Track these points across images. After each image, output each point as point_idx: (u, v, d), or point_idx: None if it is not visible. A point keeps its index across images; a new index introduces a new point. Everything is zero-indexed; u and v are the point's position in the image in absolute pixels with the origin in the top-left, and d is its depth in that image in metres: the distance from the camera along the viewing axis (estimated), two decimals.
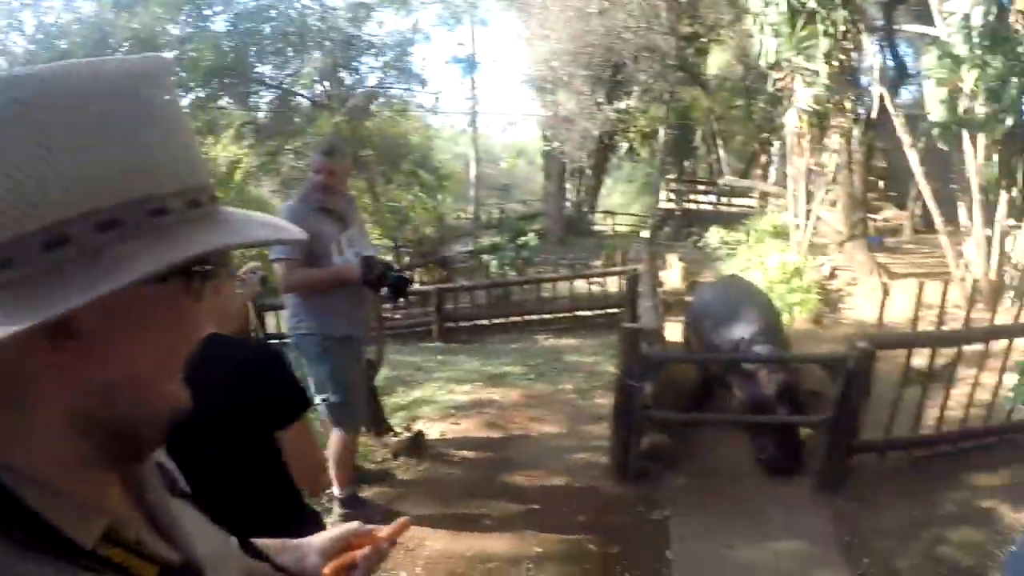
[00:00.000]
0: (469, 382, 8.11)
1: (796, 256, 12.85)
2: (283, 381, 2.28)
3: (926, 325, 7.53)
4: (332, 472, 4.79)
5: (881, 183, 20.10)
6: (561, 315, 11.64)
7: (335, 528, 1.36)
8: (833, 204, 14.36)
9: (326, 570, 1.27)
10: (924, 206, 13.16)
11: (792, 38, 11.29)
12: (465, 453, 6.03)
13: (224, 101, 20.98)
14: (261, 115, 22.66)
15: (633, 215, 31.24)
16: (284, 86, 22.11)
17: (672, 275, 14.30)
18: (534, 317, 11.66)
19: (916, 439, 5.69)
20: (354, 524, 1.35)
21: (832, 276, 12.80)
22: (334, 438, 4.70)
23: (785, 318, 10.62)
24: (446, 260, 19.11)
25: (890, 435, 5.64)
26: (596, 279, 11.79)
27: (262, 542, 1.29)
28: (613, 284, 11.90)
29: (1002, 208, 9.57)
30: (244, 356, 2.27)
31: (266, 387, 2.23)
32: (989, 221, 9.72)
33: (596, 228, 27.34)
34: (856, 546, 4.66)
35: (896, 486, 5.35)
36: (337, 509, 4.82)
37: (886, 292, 5.83)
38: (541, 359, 9.39)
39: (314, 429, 2.42)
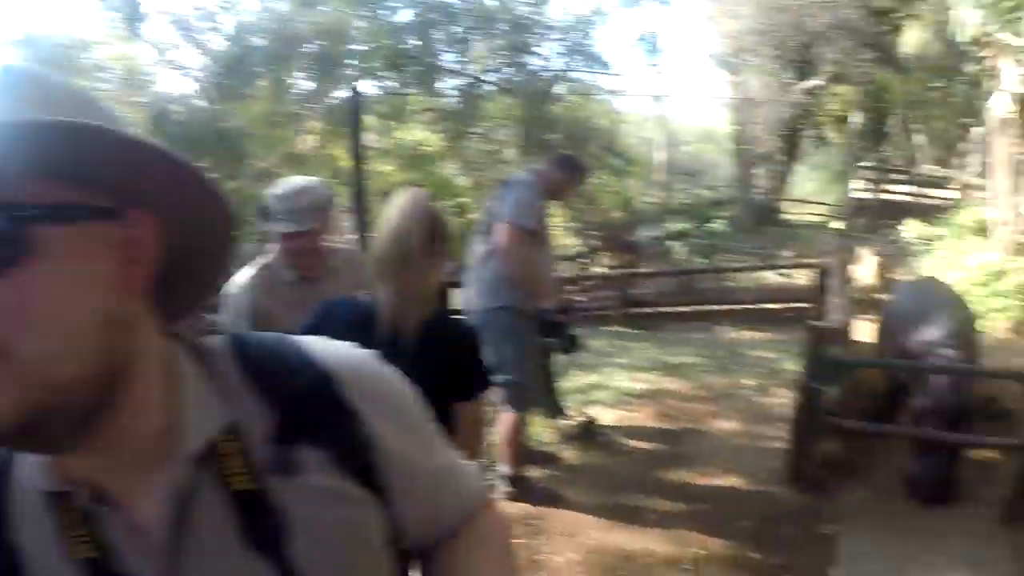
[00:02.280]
0: (647, 370, 8.00)
1: (998, 256, 11.94)
2: (478, 360, 2.56)
3: None
4: (501, 451, 4.86)
5: None
6: (746, 307, 11.35)
7: None
8: None
9: None
10: None
11: (996, 9, 10.42)
12: (635, 443, 5.94)
13: (413, 89, 21.55)
14: (450, 101, 23.18)
15: (825, 204, 30.00)
16: (468, 72, 22.47)
17: (864, 270, 13.63)
18: (718, 307, 11.41)
19: None
20: None
21: None
22: (506, 418, 4.73)
23: (983, 325, 9.93)
24: (632, 245, 18.98)
25: None
26: (784, 271, 11.38)
27: None
28: (801, 277, 11.46)
29: None
30: (459, 329, 2.60)
31: (464, 361, 2.50)
32: None
33: (787, 217, 26.41)
34: None
35: None
36: (503, 487, 4.87)
37: None
38: (722, 351, 9.18)
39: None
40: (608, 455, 5.67)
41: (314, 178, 3.27)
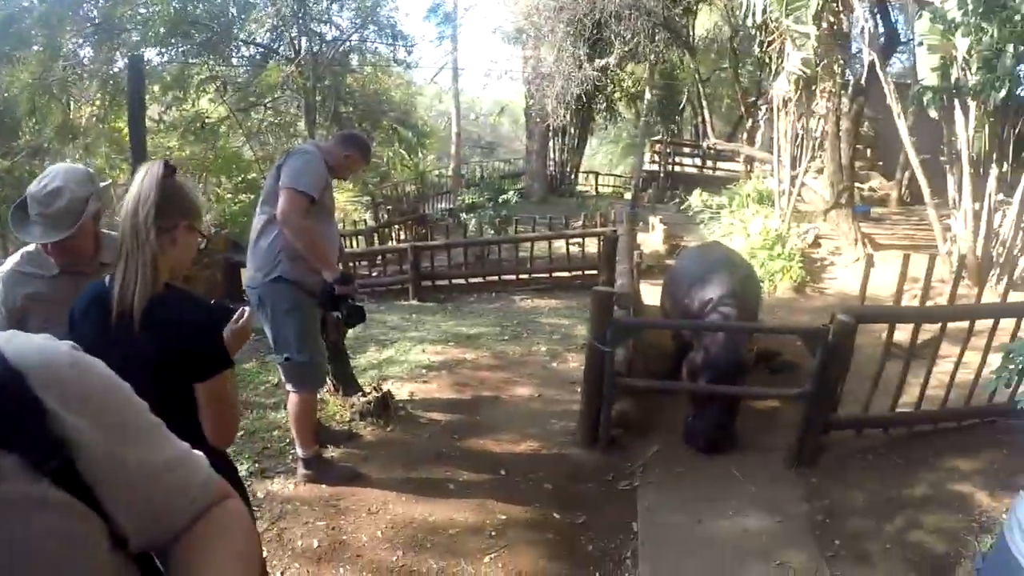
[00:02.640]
0: (442, 342, 7.99)
1: (779, 223, 12.73)
2: (206, 337, 2.30)
3: (910, 299, 7.38)
4: (294, 432, 4.72)
5: (869, 152, 19.95)
6: (539, 275, 11.53)
7: None
8: (820, 171, 14.22)
9: None
10: (912, 177, 13.00)
11: None
12: (433, 415, 5.91)
13: (200, 58, 20.42)
14: (239, 71, 22.18)
15: (617, 176, 31.13)
16: (257, 42, 21.61)
17: (654, 238, 14.18)
18: (512, 277, 11.54)
19: (895, 417, 5.52)
20: None
21: (816, 244, 12.68)
22: (294, 399, 4.57)
23: (767, 286, 10.53)
24: (425, 218, 18.91)
25: (868, 411, 5.48)
26: (575, 240, 11.62)
27: None
28: (593, 245, 11.76)
29: (992, 182, 9.40)
30: (183, 305, 2.30)
31: (191, 340, 2.25)
32: (978, 195, 9.56)
33: (579, 189, 27.14)
34: (828, 526, 4.53)
35: (872, 464, 5.21)
36: (301, 469, 4.74)
37: (870, 263, 5.60)
38: (517, 320, 9.28)
39: (231, 388, 2.37)
40: (406, 429, 5.60)
41: (78, 168, 2.95)
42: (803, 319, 9.02)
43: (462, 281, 11.58)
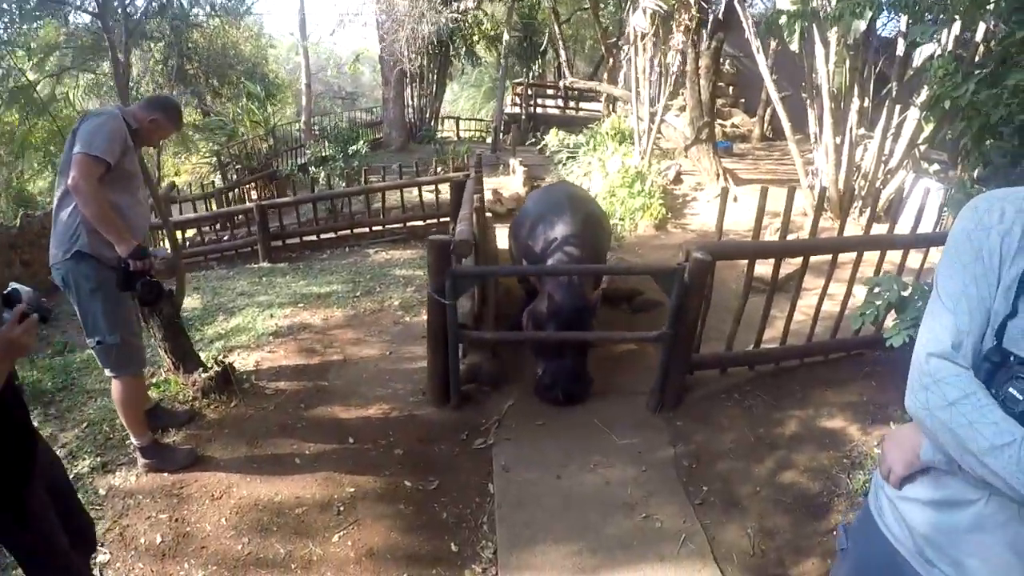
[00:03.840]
0: (292, 304, 7.63)
1: (639, 160, 12.73)
2: None
3: (772, 233, 7.38)
4: (123, 421, 4.39)
5: (732, 89, 20.28)
6: (393, 226, 11.23)
7: None
8: (682, 109, 14.30)
9: None
10: (774, 113, 13.23)
11: None
12: (280, 384, 5.58)
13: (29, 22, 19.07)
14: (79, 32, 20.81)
15: (480, 120, 30.86)
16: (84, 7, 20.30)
17: (515, 181, 14.03)
18: (365, 230, 11.21)
19: (760, 354, 5.50)
20: None
21: (678, 181, 12.77)
22: (117, 385, 4.22)
23: (627, 224, 10.52)
24: (275, 175, 18.13)
25: (732, 349, 5.43)
26: (430, 187, 11.34)
27: None
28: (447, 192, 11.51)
29: (852, 116, 9.58)
30: None
31: None
32: (839, 129, 9.74)
33: (440, 135, 26.71)
34: (695, 472, 4.47)
35: (739, 404, 5.17)
36: (140, 459, 4.41)
37: (726, 197, 5.46)
38: (370, 274, 8.98)
39: None
40: (251, 403, 5.26)
41: None
42: (664, 255, 9.03)
43: (314, 238, 11.18)
